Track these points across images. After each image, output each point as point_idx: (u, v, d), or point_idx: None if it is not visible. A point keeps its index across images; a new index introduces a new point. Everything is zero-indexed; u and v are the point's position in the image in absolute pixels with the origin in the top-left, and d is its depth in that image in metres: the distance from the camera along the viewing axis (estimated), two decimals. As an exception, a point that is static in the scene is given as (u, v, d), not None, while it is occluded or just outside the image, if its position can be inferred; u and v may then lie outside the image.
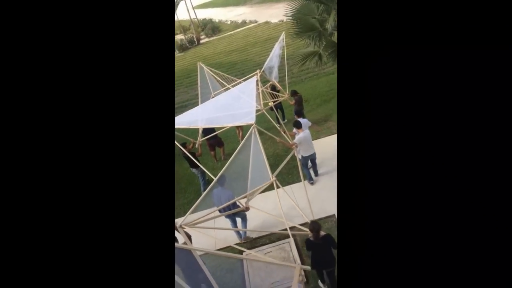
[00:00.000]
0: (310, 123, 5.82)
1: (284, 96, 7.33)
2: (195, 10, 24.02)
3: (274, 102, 7.25)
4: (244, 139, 4.50)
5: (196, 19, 23.74)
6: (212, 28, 22.21)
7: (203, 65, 7.61)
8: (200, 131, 6.47)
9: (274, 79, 7.43)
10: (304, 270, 3.35)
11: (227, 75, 7.90)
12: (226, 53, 17.14)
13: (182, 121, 5.14)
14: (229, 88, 6.63)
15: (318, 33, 6.01)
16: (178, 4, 21.84)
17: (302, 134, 5.13)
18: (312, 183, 5.64)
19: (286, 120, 8.10)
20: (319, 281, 3.93)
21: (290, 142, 5.17)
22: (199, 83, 7.52)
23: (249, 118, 4.35)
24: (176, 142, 5.28)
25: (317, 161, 5.81)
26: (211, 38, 21.19)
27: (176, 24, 22.95)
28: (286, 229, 4.12)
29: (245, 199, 4.09)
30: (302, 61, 6.71)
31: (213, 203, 4.36)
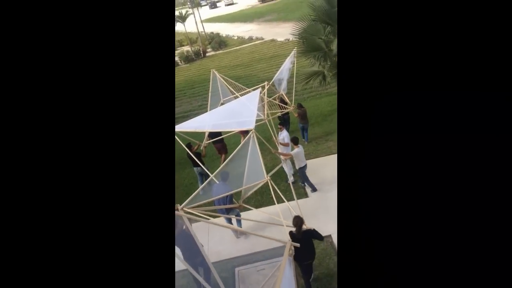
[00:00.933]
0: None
1: (290, 108, 7.65)
2: (203, 23, 24.52)
3: (282, 113, 7.63)
4: (243, 141, 4.97)
5: (203, 32, 24.19)
6: (218, 42, 22.60)
7: (216, 72, 7.92)
8: (206, 134, 6.78)
9: (282, 91, 7.85)
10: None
11: (237, 83, 8.26)
12: (231, 67, 17.35)
13: (190, 125, 5.60)
14: (238, 96, 7.05)
15: (323, 54, 6.12)
16: (187, 17, 22.31)
17: (297, 150, 5.65)
18: (314, 191, 5.97)
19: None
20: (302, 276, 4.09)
21: (286, 153, 5.73)
22: (210, 88, 7.85)
23: (249, 125, 4.82)
24: (181, 143, 5.76)
25: (315, 180, 6.10)
26: (217, 52, 21.53)
27: (184, 36, 23.37)
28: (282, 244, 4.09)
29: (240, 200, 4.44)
30: (306, 79, 6.81)
31: (211, 195, 4.63)
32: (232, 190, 4.61)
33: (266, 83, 7.50)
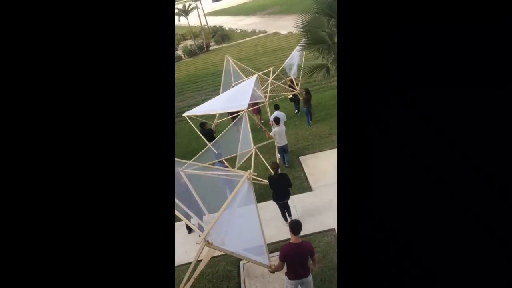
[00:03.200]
0: (285, 119, 6.93)
1: (296, 92, 8.62)
2: (206, 17, 24.37)
3: (293, 95, 8.69)
4: (237, 119, 6.73)
5: (206, 26, 24.06)
6: (222, 35, 22.48)
7: (229, 58, 9.22)
8: (217, 115, 8.06)
9: (292, 75, 8.85)
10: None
11: (248, 68, 9.67)
12: (234, 61, 17.28)
13: (200, 109, 7.30)
14: (245, 80, 8.21)
15: (327, 46, 6.07)
16: (190, 11, 22.18)
17: (276, 129, 6.36)
18: (286, 166, 6.70)
19: (299, 112, 9.03)
20: (283, 219, 5.12)
21: (269, 135, 6.66)
22: (223, 72, 9.18)
23: (243, 106, 6.39)
24: (193, 125, 7.32)
25: (318, 174, 6.28)
26: (220, 46, 21.43)
27: (187, 30, 23.28)
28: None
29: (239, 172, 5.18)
30: (310, 72, 6.78)
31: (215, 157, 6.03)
32: (227, 166, 5.86)
33: (272, 68, 8.62)
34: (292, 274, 3.42)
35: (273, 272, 3.52)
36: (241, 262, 4.64)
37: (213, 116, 8.09)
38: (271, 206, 5.56)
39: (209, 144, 6.45)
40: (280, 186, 4.88)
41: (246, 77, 8.54)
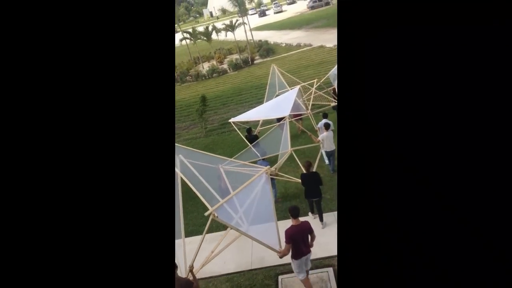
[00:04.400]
0: (333, 127, 7.10)
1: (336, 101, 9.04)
2: (252, 31, 25.07)
3: (333, 103, 9.06)
4: (280, 123, 7.45)
5: (252, 40, 24.72)
6: (266, 49, 22.89)
7: (275, 67, 9.79)
8: (260, 122, 8.72)
9: (336, 84, 9.16)
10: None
11: (293, 77, 10.15)
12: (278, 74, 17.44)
13: (245, 116, 8.06)
14: (289, 90, 8.70)
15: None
16: (237, 27, 23.01)
17: (325, 134, 6.56)
18: (332, 173, 6.79)
19: None
20: (309, 212, 5.52)
21: (316, 138, 6.93)
22: (269, 81, 9.78)
23: (286, 113, 6.91)
24: (238, 131, 8.10)
25: None
26: (265, 59, 21.81)
27: (233, 45, 24.10)
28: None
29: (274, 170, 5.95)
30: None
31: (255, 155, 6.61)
32: (269, 162, 6.32)
33: (316, 80, 9.03)
34: (298, 254, 3.88)
35: (282, 256, 3.91)
36: (280, 277, 4.53)
37: (256, 125, 8.73)
38: (314, 221, 5.40)
39: (250, 145, 7.02)
40: (311, 183, 5.11)
41: (290, 87, 9.06)
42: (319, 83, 8.93)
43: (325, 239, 4.92)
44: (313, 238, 3.95)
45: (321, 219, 5.30)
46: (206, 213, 3.57)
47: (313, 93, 8.51)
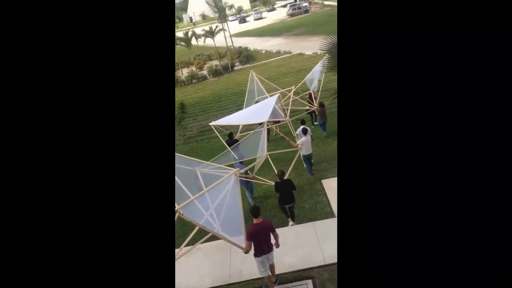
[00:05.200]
0: (311, 132, 7.41)
1: (314, 107, 9.24)
2: (232, 38, 25.07)
3: (309, 108, 9.41)
4: (258, 129, 7.47)
5: (232, 47, 24.71)
6: (246, 56, 22.94)
7: (254, 73, 9.95)
8: (240, 127, 8.96)
9: (313, 89, 9.54)
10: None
11: (272, 84, 10.39)
12: (258, 81, 17.48)
13: (225, 120, 8.41)
14: (268, 96, 8.97)
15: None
16: (217, 33, 22.95)
17: (304, 139, 6.88)
18: (311, 175, 7.08)
19: (316, 123, 9.66)
20: (288, 219, 5.57)
21: (295, 143, 7.11)
22: (248, 87, 9.85)
23: (264, 118, 7.15)
24: (218, 134, 8.15)
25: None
26: (245, 66, 21.83)
27: (213, 51, 24.00)
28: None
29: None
30: (334, 95, 6.66)
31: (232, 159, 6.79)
32: (246, 165, 6.54)
33: (293, 86, 9.30)
34: (259, 252, 4.05)
35: (246, 252, 4.08)
36: (258, 291, 4.42)
37: (237, 130, 9.04)
38: (292, 232, 5.35)
39: (228, 148, 7.19)
40: (285, 191, 5.34)
41: (268, 93, 9.42)
42: (295, 88, 9.31)
43: (304, 250, 4.87)
44: (275, 236, 4.13)
45: (293, 220, 5.56)
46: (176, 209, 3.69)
47: (291, 98, 8.88)
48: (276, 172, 5.63)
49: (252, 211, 4.09)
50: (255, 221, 4.04)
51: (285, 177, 5.68)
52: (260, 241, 4.00)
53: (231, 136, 8.17)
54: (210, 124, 8.12)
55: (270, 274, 4.25)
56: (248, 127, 9.09)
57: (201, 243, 4.60)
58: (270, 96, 8.95)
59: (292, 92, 9.06)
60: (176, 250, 4.40)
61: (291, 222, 5.53)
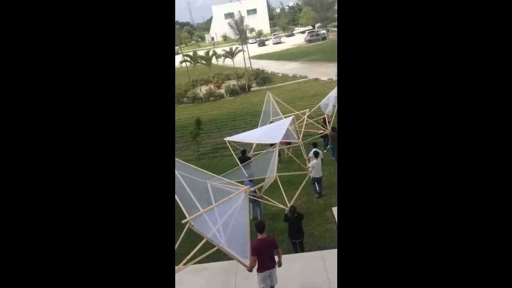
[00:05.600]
0: (322, 156, 7.76)
1: (327, 131, 9.45)
2: (251, 59, 25.75)
3: (322, 132, 9.65)
4: (269, 149, 7.73)
5: (250, 68, 25.33)
6: (263, 78, 23.42)
7: (270, 95, 10.23)
8: (254, 145, 9.11)
9: (327, 113, 9.97)
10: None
11: (288, 106, 10.60)
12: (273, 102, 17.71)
13: (240, 137, 8.48)
14: (282, 118, 9.09)
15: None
16: (236, 54, 23.63)
17: (315, 161, 7.09)
18: (318, 197, 7.25)
19: (328, 146, 9.73)
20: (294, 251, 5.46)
21: (305, 166, 7.36)
22: (263, 108, 10.16)
23: (277, 139, 7.22)
24: (231, 150, 8.48)
25: None
26: (261, 87, 22.25)
27: (232, 71, 24.64)
28: None
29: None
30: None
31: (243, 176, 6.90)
32: (256, 183, 6.58)
33: (308, 110, 9.57)
34: (262, 267, 4.09)
35: (250, 269, 4.07)
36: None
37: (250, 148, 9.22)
38: (299, 259, 5.27)
39: (240, 165, 7.35)
40: (296, 226, 5.33)
41: (283, 115, 9.62)
42: (310, 112, 9.56)
43: (310, 280, 4.77)
44: (278, 253, 4.20)
45: (303, 250, 5.46)
46: (183, 221, 3.79)
47: (304, 121, 9.07)
48: (288, 206, 5.64)
49: (257, 226, 4.16)
50: (259, 236, 4.12)
51: (292, 201, 5.86)
52: (264, 256, 4.07)
53: (244, 153, 8.29)
54: (225, 139, 8.33)
55: None
56: (262, 147, 9.18)
57: (201, 258, 4.58)
58: (285, 117, 9.09)
59: (306, 115, 9.22)
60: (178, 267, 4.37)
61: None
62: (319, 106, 10.42)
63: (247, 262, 4.11)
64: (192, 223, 3.91)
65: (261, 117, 10.07)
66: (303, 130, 8.96)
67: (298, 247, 5.46)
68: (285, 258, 5.28)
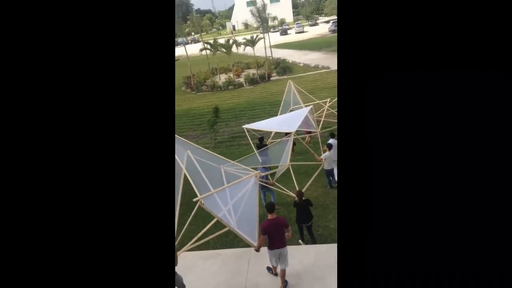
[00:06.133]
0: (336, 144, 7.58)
1: None
2: (271, 49, 25.37)
3: None
4: (283, 138, 8.03)
5: (271, 57, 24.99)
6: (284, 67, 23.05)
7: (292, 83, 10.06)
8: (272, 134, 9.07)
9: None
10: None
11: (309, 95, 10.44)
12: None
13: (261, 125, 8.58)
14: (302, 107, 9.10)
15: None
16: (257, 42, 23.35)
17: (327, 153, 6.99)
18: (331, 187, 7.18)
19: None
20: (299, 239, 5.48)
21: (319, 157, 7.31)
22: (284, 96, 10.06)
23: (292, 129, 7.33)
24: (248, 137, 8.71)
25: None
26: (282, 77, 21.93)
27: (252, 60, 24.42)
28: None
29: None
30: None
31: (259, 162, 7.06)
32: (270, 170, 7.01)
33: (329, 99, 9.43)
34: (273, 245, 4.27)
35: (258, 248, 4.33)
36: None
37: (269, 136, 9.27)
38: (312, 251, 5.19)
39: (256, 151, 7.52)
40: (303, 210, 5.34)
41: (304, 104, 9.54)
42: (331, 102, 9.27)
43: (322, 273, 4.69)
44: (289, 231, 4.33)
45: (314, 241, 5.43)
46: (195, 199, 4.04)
47: (325, 111, 8.95)
48: (297, 190, 5.72)
49: (267, 207, 4.33)
50: (269, 216, 4.24)
51: (304, 190, 5.94)
52: (273, 236, 4.21)
53: (261, 140, 8.40)
54: (243, 126, 8.42)
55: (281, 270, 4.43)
56: (280, 136, 9.18)
57: (210, 238, 4.90)
58: (306, 106, 9.05)
59: (327, 105, 9.08)
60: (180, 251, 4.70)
61: (302, 242, 5.50)
62: None
63: (254, 242, 4.31)
64: (202, 202, 4.08)
65: (281, 105, 9.99)
66: (322, 120, 8.83)
67: (307, 231, 5.43)
68: (299, 249, 5.23)
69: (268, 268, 4.70)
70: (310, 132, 8.96)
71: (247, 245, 5.31)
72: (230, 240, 5.68)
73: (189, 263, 5.10)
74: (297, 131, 8.38)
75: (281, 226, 4.23)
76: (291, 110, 9.41)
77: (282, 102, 10.06)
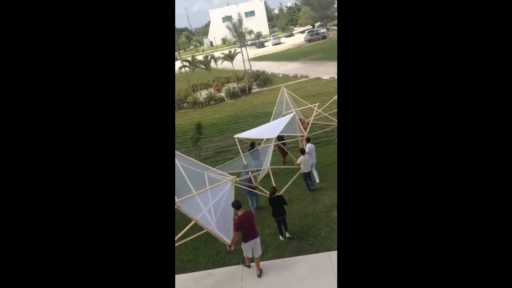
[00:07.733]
0: (313, 151, 7.96)
1: (334, 125, 9.93)
2: (250, 61, 25.68)
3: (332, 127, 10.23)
4: (265, 143, 8.74)
5: (250, 70, 25.26)
6: (263, 79, 23.32)
7: (284, 89, 10.63)
8: (264, 140, 9.33)
9: None
10: None
11: (302, 100, 11.11)
12: (274, 103, 17.62)
13: (251, 133, 9.14)
14: (293, 112, 9.54)
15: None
16: (235, 56, 23.59)
17: (302, 158, 7.39)
18: (309, 190, 7.51)
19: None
20: (280, 236, 5.82)
21: (296, 162, 7.75)
22: (277, 102, 10.58)
23: (273, 135, 7.95)
24: (238, 145, 8.93)
25: None
26: (262, 89, 22.14)
27: (232, 73, 24.59)
28: None
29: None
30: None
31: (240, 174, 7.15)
32: (250, 174, 7.36)
33: (317, 104, 9.98)
34: (247, 238, 4.64)
35: (230, 246, 4.73)
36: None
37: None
38: (306, 262, 5.13)
39: (242, 155, 8.03)
40: (276, 205, 5.73)
41: (297, 108, 10.06)
42: (323, 108, 10.03)
43: (318, 282, 4.62)
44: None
45: (286, 229, 5.82)
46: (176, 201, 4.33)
47: (313, 115, 9.58)
48: (270, 188, 6.13)
49: (233, 204, 4.75)
50: (238, 213, 4.64)
51: (279, 193, 6.17)
52: (247, 228, 4.61)
53: (253, 146, 8.76)
54: (235, 136, 8.86)
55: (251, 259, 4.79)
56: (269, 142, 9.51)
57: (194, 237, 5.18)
58: (300, 111, 9.79)
59: (315, 110, 9.72)
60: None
61: (282, 238, 5.78)
62: (334, 100, 10.63)
63: (228, 240, 4.66)
64: (179, 205, 4.41)
65: (274, 111, 10.45)
66: (310, 122, 9.33)
67: (282, 223, 5.81)
68: (292, 260, 5.15)
69: (242, 261, 5.06)
70: (282, 139, 9.42)
71: (238, 262, 5.20)
72: (221, 258, 5.55)
73: (182, 286, 4.93)
74: (287, 135, 9.02)
75: (251, 218, 4.69)
76: (283, 115, 9.87)
77: (275, 108, 10.57)
